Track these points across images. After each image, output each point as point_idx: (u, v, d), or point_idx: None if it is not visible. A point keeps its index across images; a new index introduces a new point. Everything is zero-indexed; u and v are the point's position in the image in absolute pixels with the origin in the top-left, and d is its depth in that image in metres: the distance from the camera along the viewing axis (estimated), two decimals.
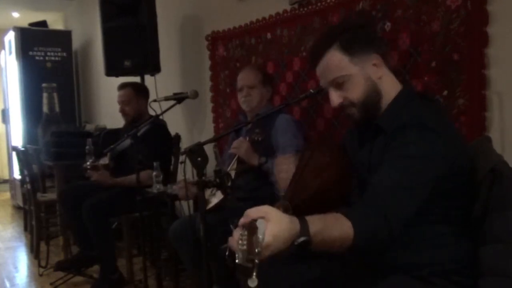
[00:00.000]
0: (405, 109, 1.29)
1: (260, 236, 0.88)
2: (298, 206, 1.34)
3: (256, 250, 0.84)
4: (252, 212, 0.98)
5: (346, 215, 1.09)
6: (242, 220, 0.97)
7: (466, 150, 1.29)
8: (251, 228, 0.88)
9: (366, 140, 1.39)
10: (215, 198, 2.26)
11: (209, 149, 2.27)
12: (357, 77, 1.33)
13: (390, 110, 1.33)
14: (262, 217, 0.95)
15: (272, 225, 0.95)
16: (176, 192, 2.46)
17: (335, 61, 1.33)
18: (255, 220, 0.93)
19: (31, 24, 6.30)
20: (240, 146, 2.25)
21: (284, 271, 1.39)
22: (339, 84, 1.34)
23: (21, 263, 3.98)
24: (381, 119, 1.33)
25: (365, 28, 1.38)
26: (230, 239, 0.98)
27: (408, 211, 1.15)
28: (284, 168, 1.61)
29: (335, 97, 1.36)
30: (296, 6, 2.60)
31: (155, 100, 2.28)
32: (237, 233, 0.94)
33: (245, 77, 2.45)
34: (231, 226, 1.00)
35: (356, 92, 1.33)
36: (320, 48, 1.36)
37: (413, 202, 1.16)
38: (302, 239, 1.00)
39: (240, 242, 0.85)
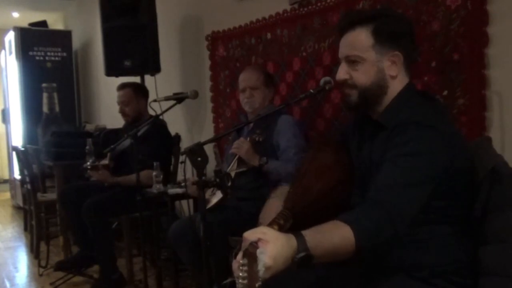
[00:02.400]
0: (406, 106, 1.29)
1: (261, 269, 0.88)
2: (299, 213, 1.33)
3: (257, 285, 0.84)
4: (249, 235, 0.98)
5: (344, 220, 1.08)
6: (242, 245, 0.97)
7: (466, 149, 1.28)
8: (251, 257, 0.87)
9: (366, 136, 1.39)
10: (215, 197, 2.27)
11: (209, 149, 2.28)
12: (371, 64, 1.32)
13: (392, 107, 1.32)
14: (260, 239, 0.95)
15: (270, 246, 0.94)
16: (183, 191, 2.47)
17: (360, 39, 1.32)
18: (255, 242, 0.94)
19: (31, 24, 6.30)
20: (241, 146, 2.25)
21: (285, 272, 1.38)
22: (352, 62, 1.34)
23: (21, 263, 3.98)
24: (382, 116, 1.33)
25: (403, 23, 1.33)
26: (233, 262, 0.98)
27: (412, 208, 1.15)
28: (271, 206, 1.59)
29: (343, 72, 1.35)
30: (296, 6, 2.60)
31: (155, 100, 2.28)
32: (239, 257, 0.94)
33: (247, 78, 2.44)
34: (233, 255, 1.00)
35: (363, 77, 1.32)
36: (355, 20, 1.35)
37: (416, 200, 1.16)
38: (301, 254, 0.99)
39: (240, 274, 0.85)
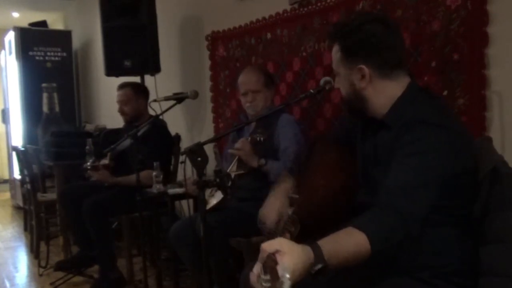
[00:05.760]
0: (411, 106, 1.29)
1: None
2: (307, 216, 1.32)
3: None
4: (267, 246, 0.98)
5: (357, 226, 1.08)
6: (259, 256, 0.97)
7: (471, 147, 1.28)
8: (273, 273, 0.88)
9: (369, 133, 1.39)
10: (214, 198, 2.27)
11: (209, 149, 2.28)
12: (343, 78, 1.38)
13: (396, 107, 1.32)
14: (278, 251, 0.95)
15: (288, 258, 0.95)
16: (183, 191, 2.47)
17: (335, 55, 1.40)
18: (273, 254, 0.94)
19: (31, 24, 6.30)
20: (243, 148, 2.25)
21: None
22: (336, 74, 1.43)
23: (21, 263, 3.98)
24: (386, 116, 1.33)
25: (366, 35, 1.32)
26: (250, 274, 0.98)
27: (424, 209, 1.15)
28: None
29: (336, 81, 1.45)
30: (296, 6, 2.60)
31: (155, 100, 2.28)
32: (257, 268, 0.95)
33: (248, 81, 2.41)
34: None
35: (342, 89, 1.41)
36: (332, 34, 1.42)
37: (427, 199, 1.16)
38: (318, 266, 0.99)
39: None
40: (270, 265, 0.90)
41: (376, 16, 1.38)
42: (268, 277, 0.87)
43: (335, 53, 1.38)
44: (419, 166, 1.17)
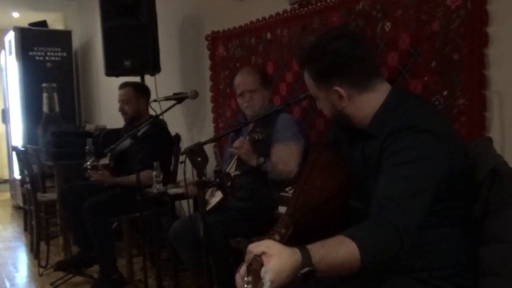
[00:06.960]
0: (395, 112, 1.27)
1: None
2: (300, 220, 1.32)
3: None
4: (254, 248, 0.98)
5: (349, 235, 1.07)
6: (246, 258, 0.97)
7: (463, 148, 1.27)
8: (256, 274, 0.88)
9: (356, 142, 1.38)
10: (215, 198, 2.27)
11: (209, 149, 2.28)
12: (323, 100, 1.37)
13: (379, 117, 1.30)
14: (264, 253, 0.96)
15: (274, 261, 0.95)
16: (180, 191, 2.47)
17: (308, 79, 1.39)
18: (259, 256, 0.94)
19: (31, 24, 6.30)
20: (241, 146, 2.25)
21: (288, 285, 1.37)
22: (315, 98, 1.42)
23: (21, 263, 3.98)
24: (370, 127, 1.32)
25: (332, 54, 1.30)
26: (236, 276, 0.99)
27: (417, 219, 1.14)
28: (281, 157, 1.60)
29: (317, 104, 1.43)
30: (296, 6, 2.60)
31: (155, 100, 2.28)
32: (242, 270, 0.95)
33: (244, 82, 2.41)
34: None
35: (325, 110, 1.40)
36: (299, 61, 1.43)
37: (420, 209, 1.15)
38: (305, 269, 0.99)
39: None
40: (254, 267, 0.90)
41: (339, 32, 1.34)
42: (250, 278, 0.87)
43: (308, 80, 1.37)
44: (411, 175, 1.15)
